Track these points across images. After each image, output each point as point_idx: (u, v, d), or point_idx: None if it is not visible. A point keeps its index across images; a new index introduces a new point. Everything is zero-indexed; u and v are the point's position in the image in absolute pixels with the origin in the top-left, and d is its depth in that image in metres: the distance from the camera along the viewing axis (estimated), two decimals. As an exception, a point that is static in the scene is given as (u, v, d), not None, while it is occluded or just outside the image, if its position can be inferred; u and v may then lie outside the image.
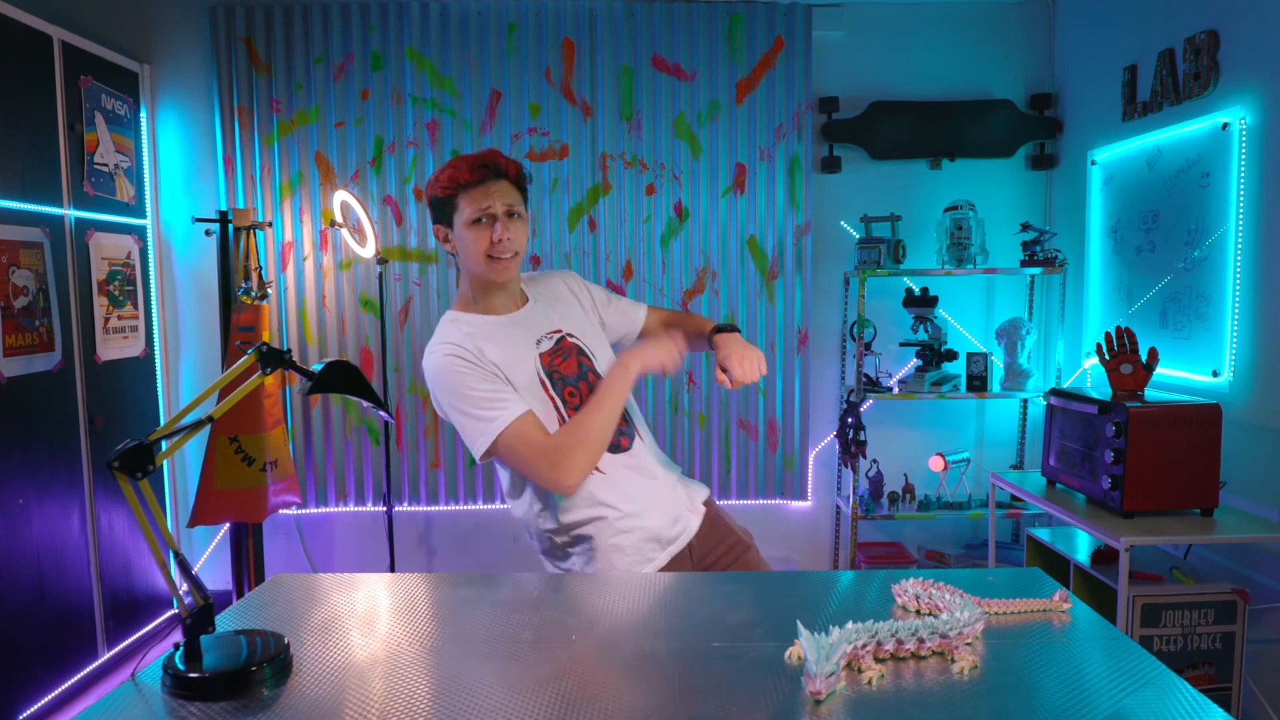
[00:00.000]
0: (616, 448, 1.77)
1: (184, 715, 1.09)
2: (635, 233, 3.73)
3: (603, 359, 1.84)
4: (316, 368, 1.33)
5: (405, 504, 3.82)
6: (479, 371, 1.66)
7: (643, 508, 1.77)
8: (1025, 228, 3.56)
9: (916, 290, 3.66)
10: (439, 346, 1.70)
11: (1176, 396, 2.62)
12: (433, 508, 3.84)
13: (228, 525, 3.54)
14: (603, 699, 1.11)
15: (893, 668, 1.19)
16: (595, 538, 1.74)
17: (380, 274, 3.50)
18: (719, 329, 1.86)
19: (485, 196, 1.67)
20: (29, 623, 2.76)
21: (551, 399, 1.73)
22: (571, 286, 1.94)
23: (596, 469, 1.72)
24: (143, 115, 3.56)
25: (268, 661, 1.17)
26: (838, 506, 3.98)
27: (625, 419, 1.80)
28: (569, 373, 1.77)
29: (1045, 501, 2.74)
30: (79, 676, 3.00)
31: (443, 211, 1.72)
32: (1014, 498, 3.43)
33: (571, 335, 1.82)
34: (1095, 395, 2.64)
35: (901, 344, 3.72)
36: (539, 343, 1.77)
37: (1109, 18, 3.40)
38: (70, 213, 3.04)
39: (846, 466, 3.71)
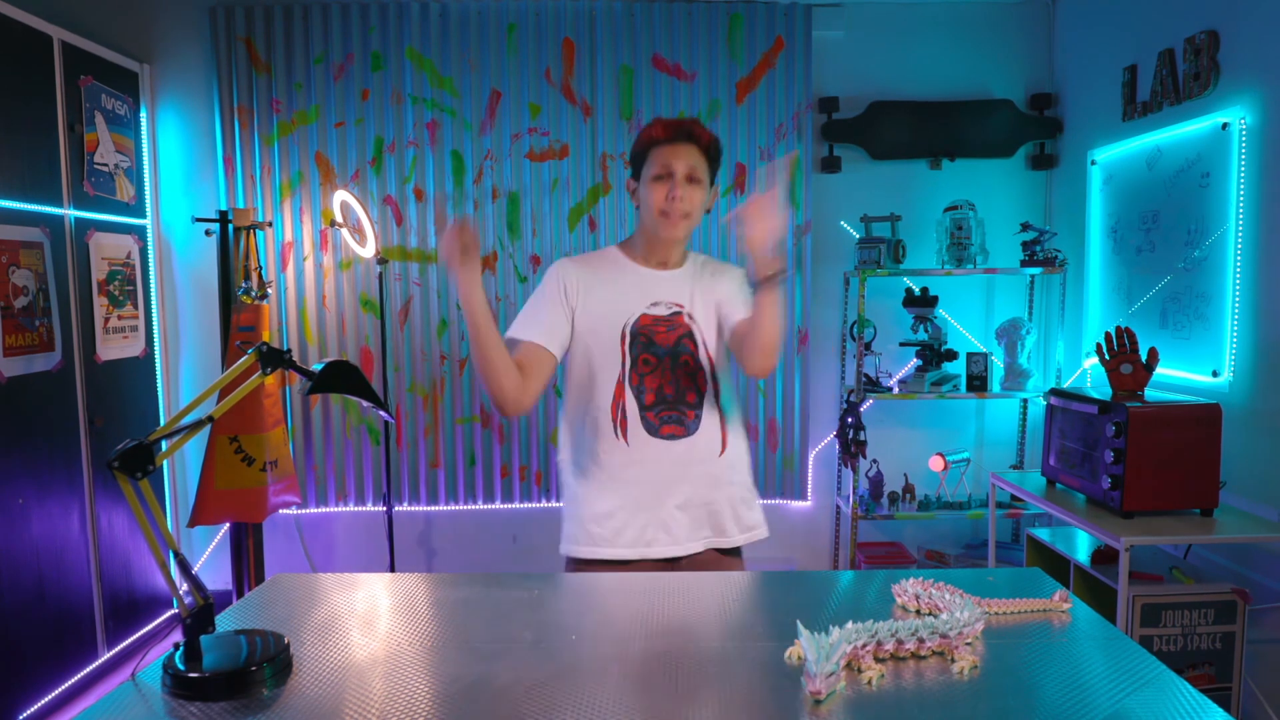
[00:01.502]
0: (655, 431, 1.78)
1: (184, 715, 1.09)
2: (635, 233, 3.73)
3: (712, 347, 1.84)
4: (316, 368, 1.33)
5: (405, 504, 3.82)
6: (556, 294, 1.82)
7: (618, 501, 1.78)
8: (1025, 228, 3.56)
9: (916, 290, 3.66)
10: (575, 257, 1.90)
11: (1176, 396, 2.62)
12: (433, 508, 3.84)
13: (228, 525, 3.53)
14: (603, 699, 1.11)
15: (893, 668, 1.19)
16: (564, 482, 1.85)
17: (380, 274, 3.50)
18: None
19: (673, 155, 1.76)
20: (29, 623, 2.76)
21: (624, 354, 1.78)
22: (732, 275, 1.90)
23: (623, 440, 1.77)
24: (143, 115, 3.56)
25: (268, 661, 1.17)
26: (838, 506, 3.98)
27: (691, 409, 1.79)
28: (662, 342, 1.79)
29: (1045, 501, 2.74)
30: (79, 676, 3.00)
31: (636, 164, 1.83)
32: (1014, 498, 3.43)
33: (692, 317, 1.83)
34: (1095, 395, 2.64)
35: (901, 344, 3.72)
36: (655, 305, 1.81)
37: (1109, 18, 3.40)
38: (70, 213, 3.04)
39: (846, 466, 3.71)
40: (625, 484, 1.79)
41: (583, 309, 1.81)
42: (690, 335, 1.81)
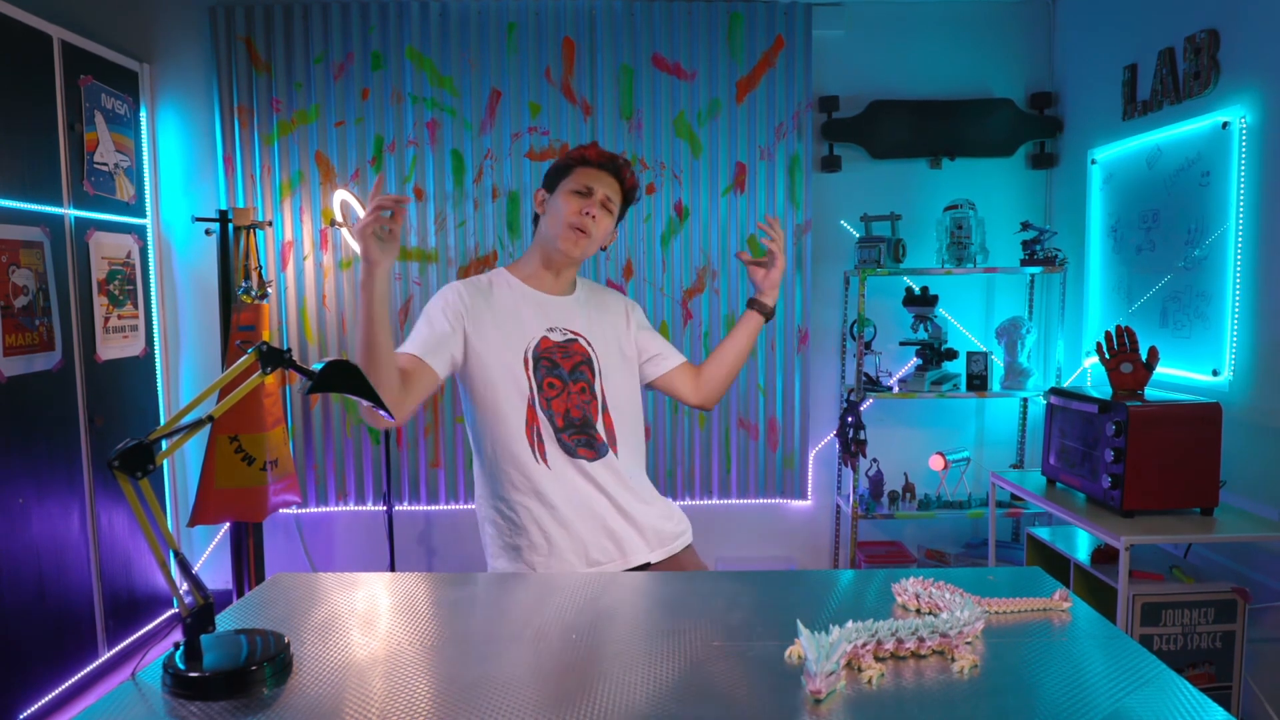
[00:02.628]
0: (572, 452, 1.77)
1: (184, 715, 1.09)
2: (635, 232, 3.73)
3: (612, 380, 1.84)
4: (316, 367, 1.33)
5: (405, 503, 3.82)
6: (445, 313, 1.76)
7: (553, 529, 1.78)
8: (1025, 227, 3.56)
9: (916, 289, 3.66)
10: (465, 280, 1.85)
11: (1176, 396, 2.62)
12: (432, 507, 3.84)
13: (228, 525, 3.54)
14: (603, 698, 1.11)
15: (893, 667, 1.19)
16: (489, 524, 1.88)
17: (380, 273, 3.50)
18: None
19: (596, 178, 1.81)
20: (29, 623, 2.76)
21: (529, 378, 1.76)
22: (625, 309, 1.98)
23: (544, 464, 1.76)
24: (143, 115, 3.56)
25: (268, 661, 1.17)
26: (838, 506, 3.98)
27: (598, 432, 1.80)
28: (564, 366, 1.79)
29: (1045, 501, 2.74)
30: (79, 676, 3.01)
31: (554, 177, 1.85)
32: (1014, 497, 3.43)
33: (588, 343, 1.84)
34: (1095, 394, 2.64)
35: (901, 343, 3.72)
36: (551, 330, 1.81)
37: (1109, 17, 3.40)
38: (70, 212, 3.04)
39: (846, 466, 3.71)
40: (553, 507, 1.76)
41: (477, 333, 1.76)
42: (588, 363, 1.82)
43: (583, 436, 1.78)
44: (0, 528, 2.65)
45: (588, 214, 1.77)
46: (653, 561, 1.84)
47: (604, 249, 1.90)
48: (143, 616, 3.42)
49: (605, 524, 1.79)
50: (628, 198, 1.89)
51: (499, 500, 1.81)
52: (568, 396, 1.78)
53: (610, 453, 1.81)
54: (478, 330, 1.77)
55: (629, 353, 1.92)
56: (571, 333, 1.83)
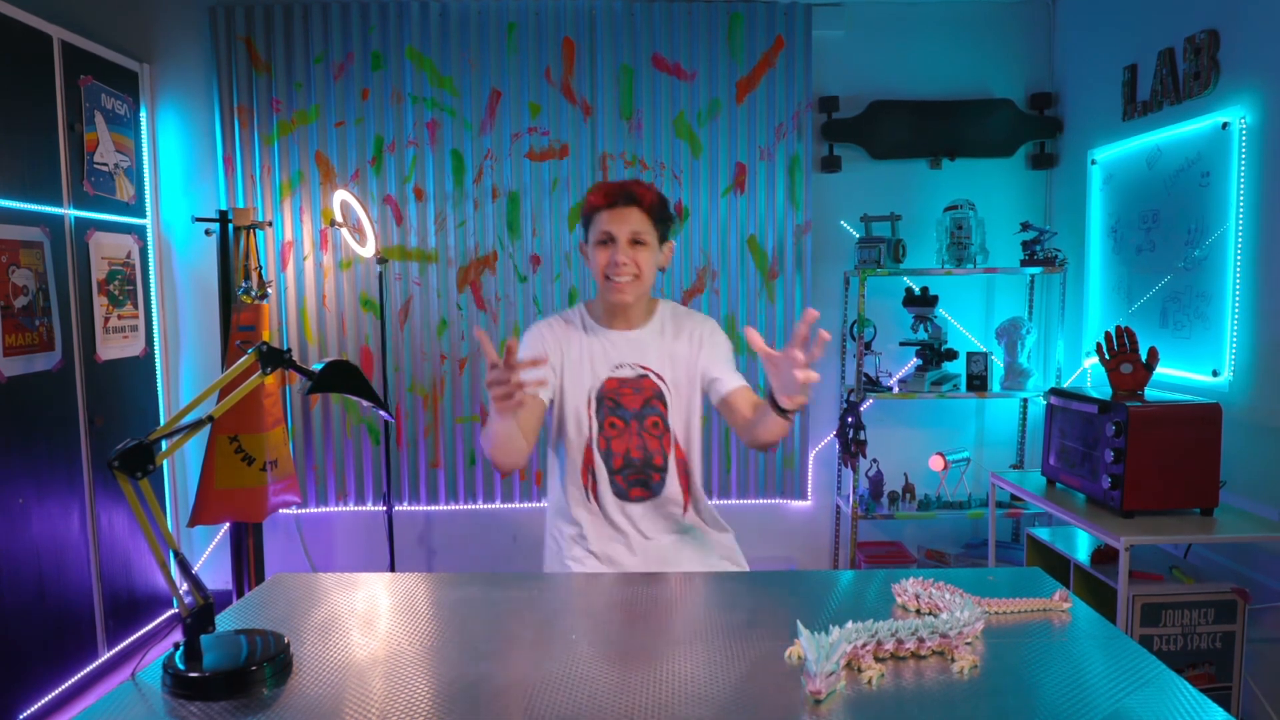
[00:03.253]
0: (623, 494, 1.82)
1: (184, 715, 1.09)
2: (635, 232, 3.73)
3: (684, 412, 1.86)
4: (316, 367, 1.33)
5: (405, 504, 3.82)
6: (542, 348, 1.84)
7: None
8: (1025, 227, 3.56)
9: (916, 290, 3.66)
10: (549, 319, 1.91)
11: (1176, 396, 2.62)
12: (433, 507, 3.84)
13: (228, 525, 3.53)
14: (603, 699, 1.11)
15: (893, 667, 1.19)
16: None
17: (380, 274, 3.50)
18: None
19: (613, 221, 1.77)
20: (29, 623, 2.76)
21: (590, 419, 1.81)
22: (700, 334, 1.89)
23: (595, 503, 1.84)
24: (143, 115, 3.56)
25: (268, 661, 1.17)
26: (838, 506, 3.98)
27: (658, 471, 1.84)
28: (629, 405, 1.82)
29: (1045, 501, 2.74)
30: (79, 676, 3.00)
31: (585, 229, 1.85)
32: (1014, 497, 3.43)
33: (659, 375, 1.84)
34: (1095, 395, 2.64)
35: (901, 343, 3.72)
36: (619, 368, 1.83)
37: (1109, 17, 3.40)
38: (70, 212, 3.04)
39: (846, 466, 3.71)
40: (596, 541, 1.86)
41: (560, 373, 1.85)
42: (660, 396, 1.83)
43: (640, 477, 1.84)
44: (0, 528, 2.65)
45: (617, 264, 1.76)
46: None
47: (664, 269, 1.89)
48: (143, 616, 3.42)
49: (638, 561, 1.84)
50: (658, 214, 1.81)
51: (560, 519, 1.92)
52: (630, 436, 1.82)
53: (664, 491, 1.85)
54: (561, 369, 1.85)
55: (697, 381, 1.89)
56: (642, 368, 1.84)
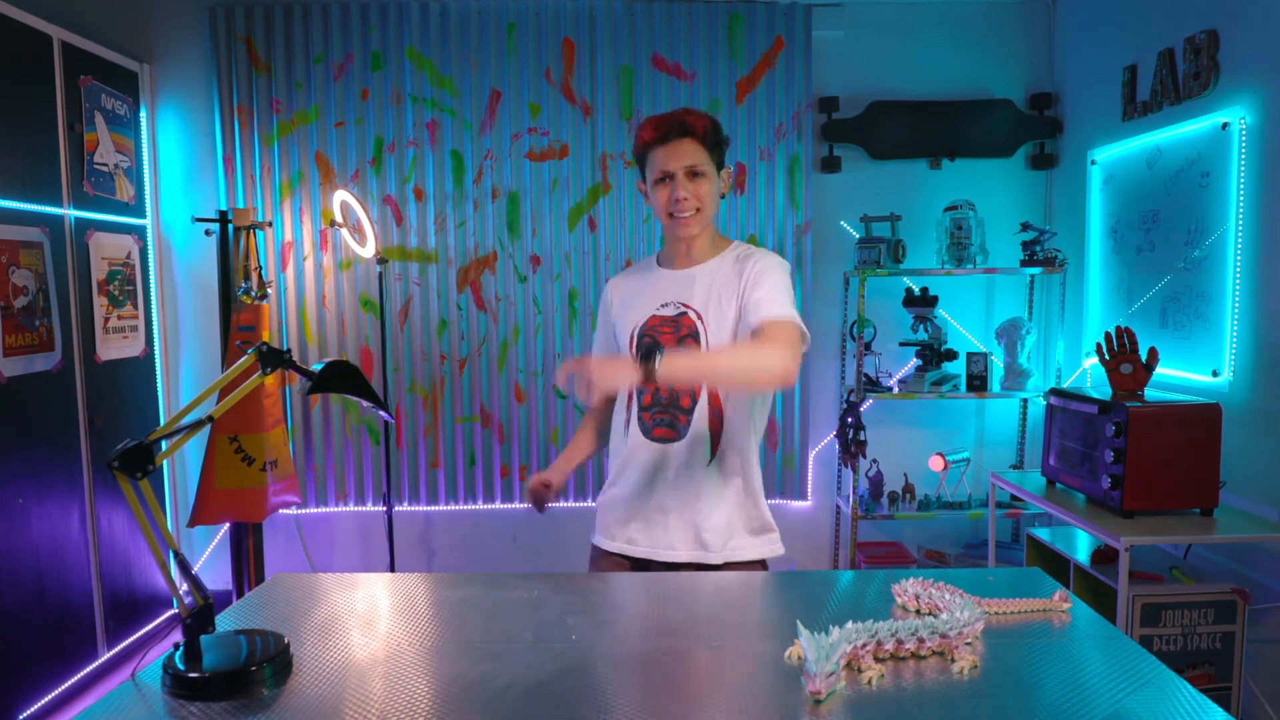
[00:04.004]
0: (648, 433, 1.79)
1: (184, 715, 1.09)
2: (635, 233, 3.73)
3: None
4: (316, 367, 1.33)
5: (405, 504, 3.82)
6: (605, 316, 1.95)
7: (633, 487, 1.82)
8: (1025, 227, 3.56)
9: (916, 290, 3.66)
10: (623, 273, 1.99)
11: (1176, 396, 2.62)
12: (433, 508, 3.84)
13: (228, 525, 3.53)
14: (603, 699, 1.11)
15: (893, 667, 1.19)
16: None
17: (380, 274, 3.50)
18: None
19: (667, 156, 1.73)
20: (29, 623, 2.76)
21: (632, 355, 1.78)
22: (747, 269, 1.75)
23: (626, 438, 1.84)
24: (143, 115, 3.56)
25: (268, 661, 1.17)
26: (838, 506, 3.98)
27: (684, 413, 1.77)
28: (665, 343, 1.77)
29: (1045, 501, 2.74)
30: (79, 676, 3.00)
31: (641, 168, 1.82)
32: (1014, 497, 3.43)
33: (699, 313, 1.77)
34: (1095, 395, 2.64)
35: (901, 344, 3.72)
36: (663, 306, 1.81)
37: (1109, 17, 3.40)
38: (70, 212, 3.04)
39: (846, 466, 3.71)
40: (622, 481, 1.83)
41: (617, 319, 1.90)
42: (695, 335, 1.75)
43: (666, 416, 1.78)
44: (0, 528, 2.65)
45: (679, 200, 1.73)
46: (682, 562, 1.77)
47: (724, 196, 1.84)
48: (143, 616, 3.42)
49: (651, 510, 1.79)
50: (712, 141, 1.74)
51: (610, 449, 1.93)
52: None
53: (689, 436, 1.74)
54: (619, 316, 1.90)
55: (737, 319, 1.76)
56: (684, 305, 1.79)
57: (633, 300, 1.87)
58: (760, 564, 1.80)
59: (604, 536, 1.87)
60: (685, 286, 1.81)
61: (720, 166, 1.79)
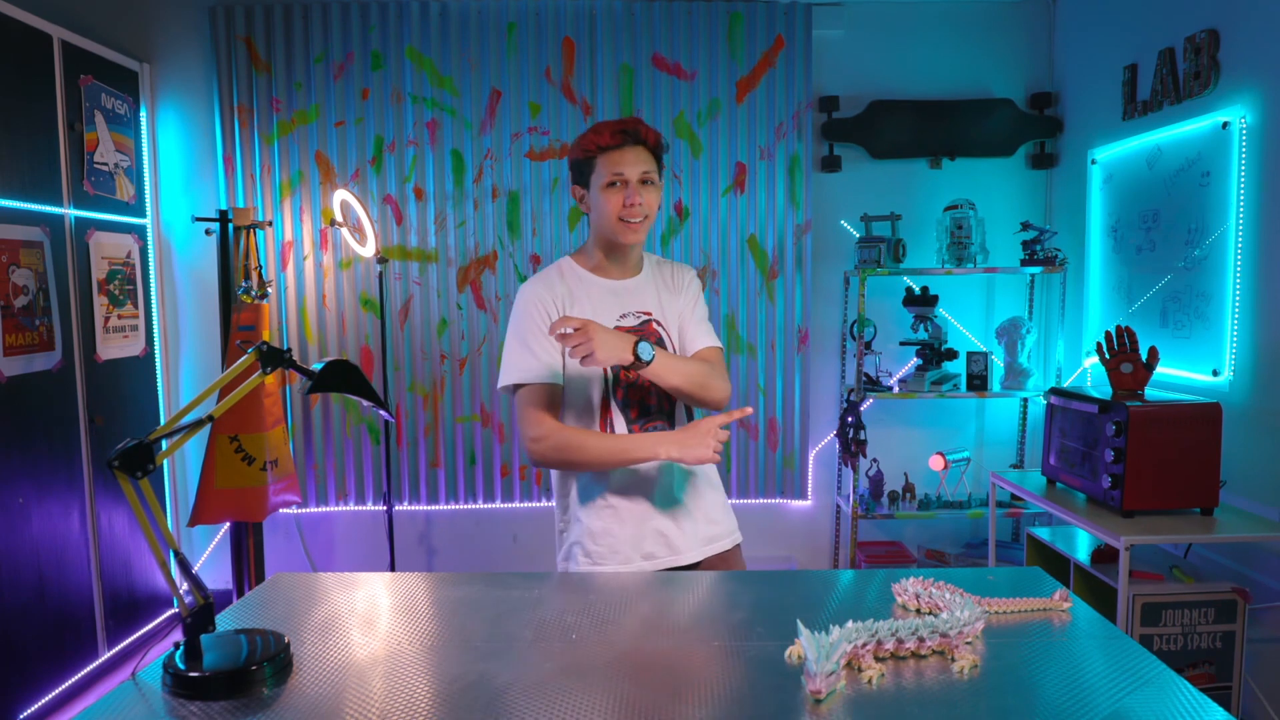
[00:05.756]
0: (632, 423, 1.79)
1: (184, 714, 1.09)
2: (635, 232, 3.73)
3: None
4: (316, 367, 1.33)
5: (405, 503, 3.82)
6: (544, 323, 1.74)
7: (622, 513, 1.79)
8: (1025, 227, 3.56)
9: (916, 289, 3.66)
10: (540, 278, 1.81)
11: (1177, 396, 2.62)
12: (433, 507, 3.84)
13: (228, 525, 3.54)
14: (603, 699, 1.11)
15: (893, 667, 1.19)
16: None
17: (380, 273, 3.50)
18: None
19: (621, 161, 1.72)
20: (29, 622, 2.76)
21: (605, 372, 1.77)
22: (688, 284, 1.91)
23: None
24: (143, 114, 3.56)
25: (268, 661, 1.17)
26: (838, 506, 3.98)
27: (669, 417, 1.83)
28: None
29: (1045, 501, 2.74)
30: (79, 676, 3.00)
31: (581, 173, 1.78)
32: (1014, 497, 3.43)
33: (659, 322, 1.83)
34: (1095, 394, 2.64)
35: (901, 343, 3.72)
36: (624, 316, 1.80)
37: (1109, 17, 3.40)
38: (70, 212, 3.04)
39: (846, 466, 3.71)
40: (620, 497, 1.78)
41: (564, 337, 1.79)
42: (661, 343, 1.80)
43: (658, 423, 1.81)
44: (0, 527, 2.65)
45: (631, 204, 1.72)
46: (698, 560, 1.84)
47: (661, 208, 1.88)
48: (143, 616, 3.42)
49: (660, 517, 1.79)
50: (659, 152, 1.79)
51: (568, 492, 1.83)
52: (644, 382, 1.77)
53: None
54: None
55: (678, 327, 1.88)
56: (644, 314, 1.82)
57: (582, 312, 1.76)
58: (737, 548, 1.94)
59: (617, 562, 1.78)
60: (637, 296, 1.83)
61: (661, 177, 1.82)
